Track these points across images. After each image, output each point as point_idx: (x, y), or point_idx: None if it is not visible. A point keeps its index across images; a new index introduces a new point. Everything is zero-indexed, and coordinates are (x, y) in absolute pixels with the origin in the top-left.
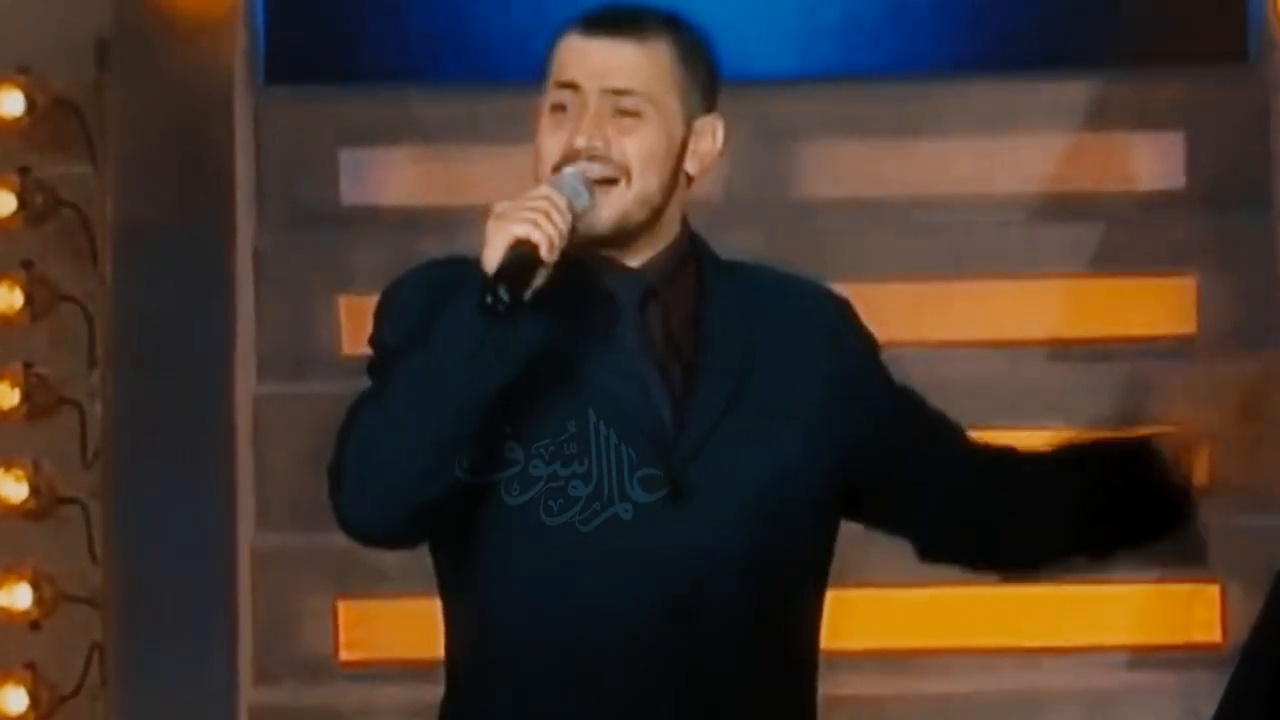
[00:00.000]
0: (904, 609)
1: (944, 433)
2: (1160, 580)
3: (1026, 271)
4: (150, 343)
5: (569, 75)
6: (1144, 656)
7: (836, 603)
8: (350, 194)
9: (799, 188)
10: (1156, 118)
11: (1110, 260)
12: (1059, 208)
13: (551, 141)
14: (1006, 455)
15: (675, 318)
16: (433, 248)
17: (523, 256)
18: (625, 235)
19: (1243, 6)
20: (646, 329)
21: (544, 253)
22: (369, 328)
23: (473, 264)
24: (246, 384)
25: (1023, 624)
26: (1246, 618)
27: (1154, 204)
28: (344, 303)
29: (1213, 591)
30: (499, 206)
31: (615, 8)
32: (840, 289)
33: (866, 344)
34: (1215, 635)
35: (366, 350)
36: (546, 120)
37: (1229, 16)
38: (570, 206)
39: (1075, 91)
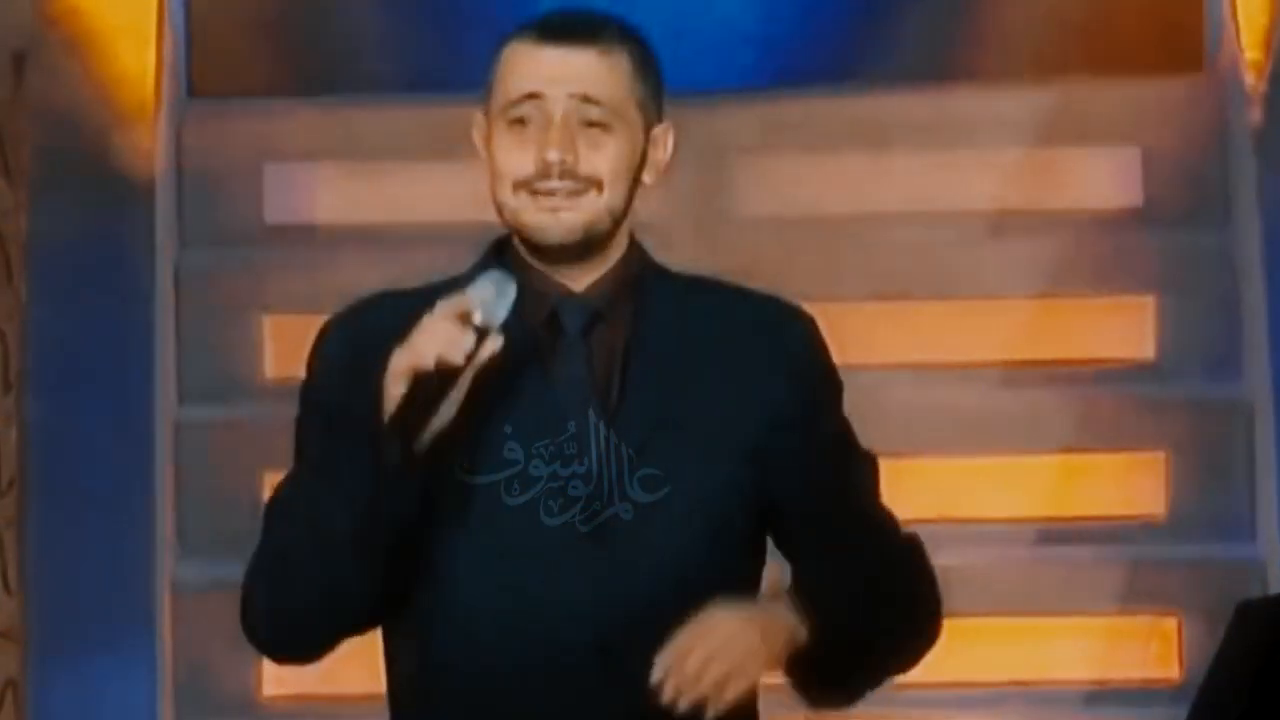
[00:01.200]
0: None
1: (844, 525)
2: (1118, 613)
3: (977, 292)
4: (67, 365)
5: (530, 85)
6: (1101, 691)
7: None
8: (275, 211)
9: (740, 205)
10: (1111, 132)
11: (1064, 281)
12: (1010, 225)
13: (515, 157)
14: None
15: (617, 341)
16: (362, 268)
17: (420, 389)
18: (584, 247)
19: (1200, 17)
20: (590, 356)
21: (450, 359)
22: (295, 350)
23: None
24: (167, 408)
25: (979, 659)
26: (1205, 653)
27: (1110, 222)
28: (268, 324)
29: (1171, 625)
30: (395, 358)
31: (566, 14)
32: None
33: (822, 375)
34: (1173, 671)
35: (291, 373)
36: (505, 135)
37: (1186, 27)
38: (483, 319)
39: (1027, 104)
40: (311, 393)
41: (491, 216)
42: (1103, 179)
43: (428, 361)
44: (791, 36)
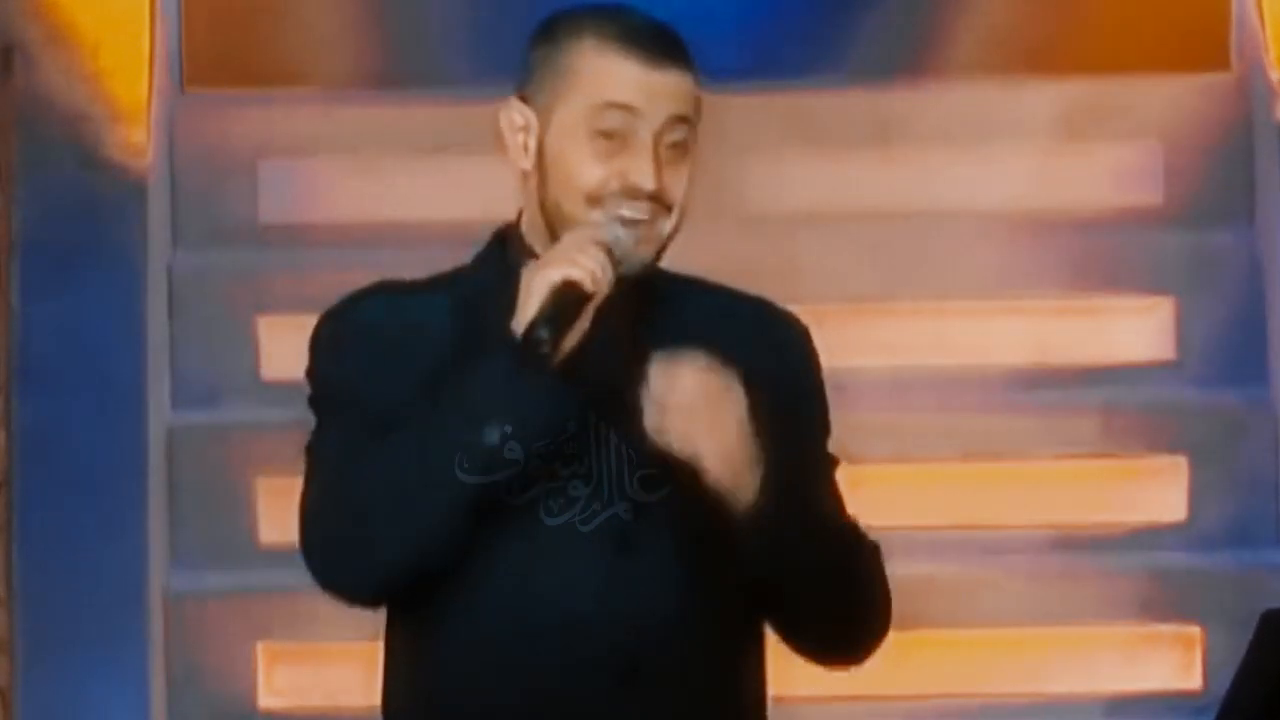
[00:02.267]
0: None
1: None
2: (1139, 623)
3: (993, 293)
4: (57, 368)
5: (626, 97)
6: (1121, 703)
7: None
8: (270, 209)
9: (747, 202)
10: (1132, 129)
11: (1083, 281)
12: (1028, 224)
13: (595, 170)
14: None
15: (621, 340)
16: (360, 267)
17: (563, 298)
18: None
19: (1226, 14)
20: (591, 361)
21: (588, 286)
22: (292, 352)
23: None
24: (160, 412)
25: (997, 671)
26: (1228, 663)
27: (1130, 220)
28: (264, 325)
29: (1194, 635)
30: (528, 269)
31: (647, 24)
32: (796, 311)
33: (812, 383)
34: (1195, 682)
35: (288, 376)
36: (584, 143)
37: (1211, 24)
38: (611, 252)
39: (1046, 99)
40: (336, 364)
41: (493, 213)
42: (1123, 177)
43: (578, 275)
44: (802, 29)
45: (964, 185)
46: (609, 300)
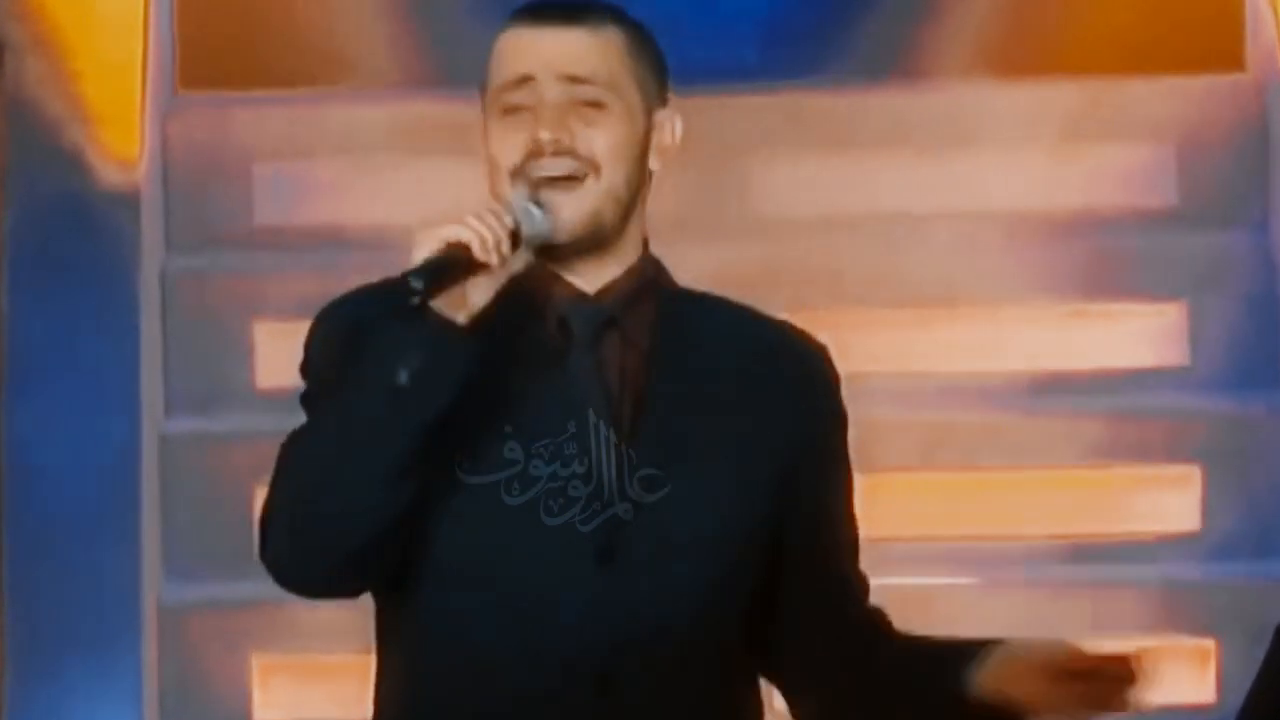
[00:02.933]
0: None
1: (837, 568)
2: (1151, 636)
3: (1002, 297)
4: (48, 374)
5: (521, 69)
6: (1133, 718)
7: None
8: (266, 212)
9: (755, 204)
10: (1145, 129)
11: (1094, 284)
12: (1038, 227)
13: (509, 145)
14: (875, 630)
15: (633, 350)
16: (358, 271)
17: (449, 254)
18: (594, 238)
19: (1239, 13)
20: (600, 364)
21: (476, 250)
22: (288, 358)
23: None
24: (153, 420)
25: None
26: (1243, 677)
27: (1142, 223)
28: (260, 331)
29: (1208, 648)
30: (425, 228)
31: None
32: (801, 317)
33: (836, 412)
34: (1209, 696)
35: (284, 383)
36: (498, 125)
37: (1225, 24)
38: (517, 225)
39: (1058, 100)
40: (318, 355)
41: None
42: (1135, 178)
43: (466, 237)
44: (810, 28)
45: (973, 187)
46: (626, 303)
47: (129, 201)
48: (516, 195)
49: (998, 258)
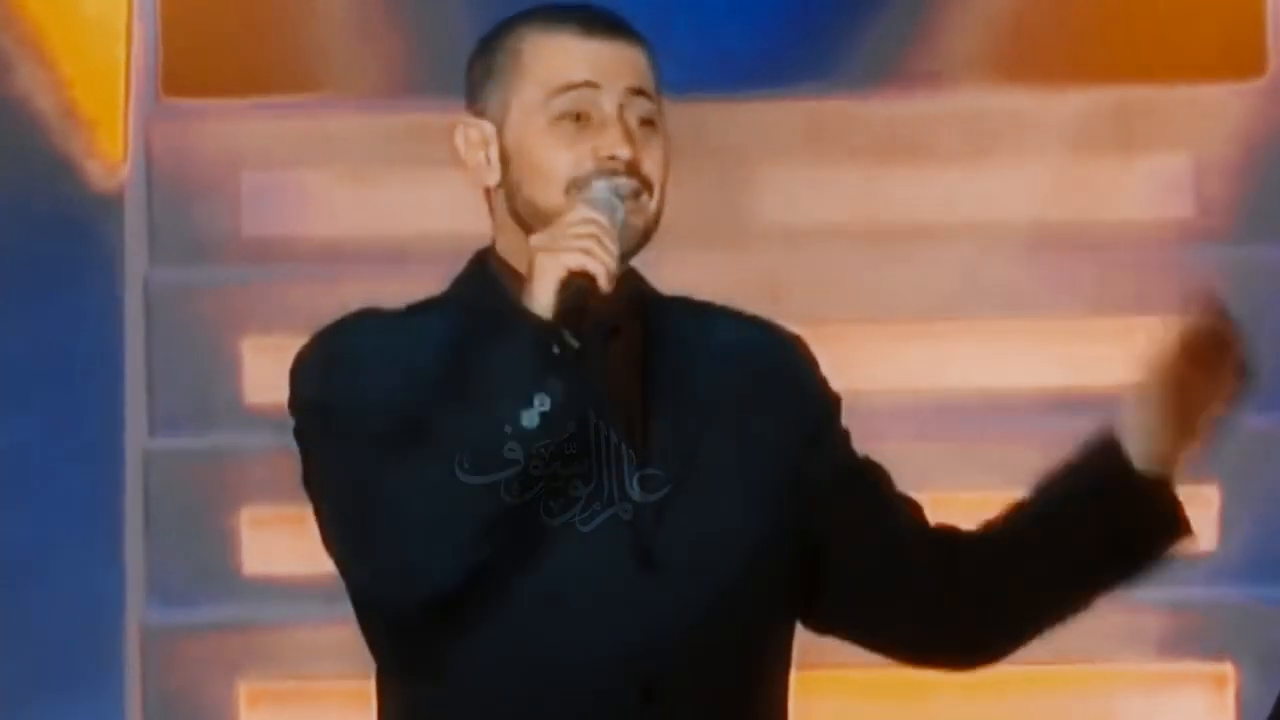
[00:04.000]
0: (886, 690)
1: (897, 511)
2: (1164, 661)
3: (1013, 313)
4: (27, 391)
5: (582, 74)
6: None
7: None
8: (253, 223)
9: (762, 214)
10: (1163, 139)
11: (1108, 300)
12: (1051, 240)
13: (569, 155)
14: (963, 535)
15: (632, 355)
16: (348, 284)
17: (580, 290)
18: (634, 256)
19: (1261, 17)
20: (603, 370)
21: (602, 283)
22: (277, 374)
23: (512, 307)
24: (137, 438)
25: (1012, 711)
26: (1262, 703)
27: (1159, 236)
28: (247, 346)
29: (1225, 673)
30: (537, 239)
31: (590, 9)
32: (806, 330)
33: (828, 395)
34: None
35: (273, 399)
36: (548, 132)
37: (1245, 28)
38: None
39: (1073, 109)
40: (331, 408)
41: (488, 226)
42: (1153, 190)
43: (589, 266)
44: (819, 33)
45: (985, 198)
46: (626, 311)
47: (112, 211)
48: (604, 187)
49: (1010, 271)
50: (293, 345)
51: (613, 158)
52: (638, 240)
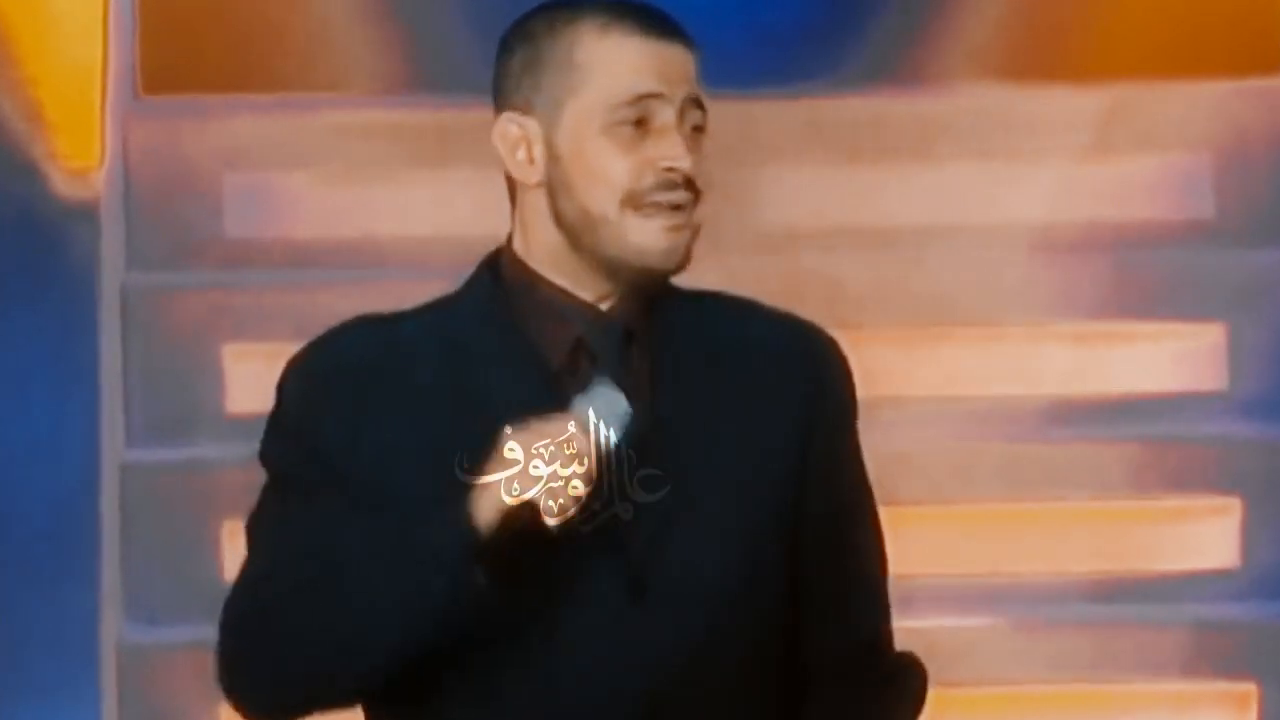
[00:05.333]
0: None
1: (844, 580)
2: (1186, 680)
3: (1026, 316)
4: (0, 400)
5: (649, 84)
6: None
7: None
8: (237, 225)
9: (766, 216)
10: (1179, 138)
11: (1124, 303)
12: (1064, 241)
13: (627, 165)
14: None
15: (642, 356)
16: (336, 289)
17: (523, 527)
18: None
19: (1277, 12)
20: (632, 376)
21: (551, 523)
22: (259, 382)
23: (512, 325)
24: (113, 448)
25: None
26: None
27: (1176, 237)
28: (229, 354)
29: (1249, 692)
30: (517, 437)
31: (645, 6)
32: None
33: (844, 405)
34: None
35: (255, 408)
36: (607, 139)
37: (1262, 23)
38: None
39: (1085, 107)
40: (290, 433)
41: (482, 230)
42: (1169, 190)
43: (549, 514)
44: (824, 32)
45: (996, 199)
46: (637, 313)
47: (88, 214)
48: (602, 391)
49: (1021, 274)
50: (275, 352)
51: (672, 169)
52: (686, 253)
